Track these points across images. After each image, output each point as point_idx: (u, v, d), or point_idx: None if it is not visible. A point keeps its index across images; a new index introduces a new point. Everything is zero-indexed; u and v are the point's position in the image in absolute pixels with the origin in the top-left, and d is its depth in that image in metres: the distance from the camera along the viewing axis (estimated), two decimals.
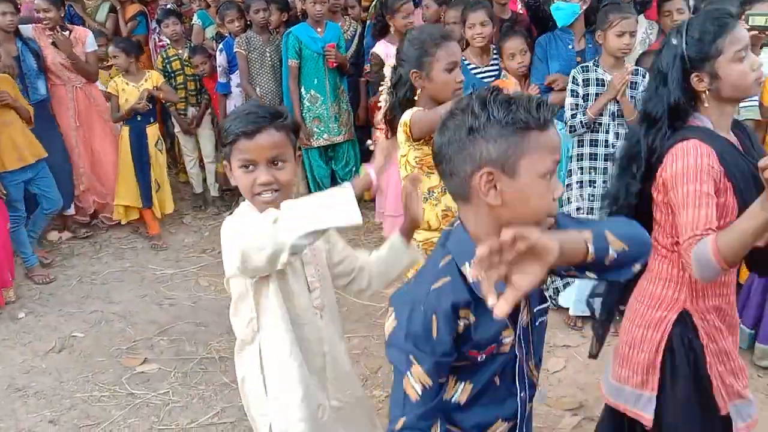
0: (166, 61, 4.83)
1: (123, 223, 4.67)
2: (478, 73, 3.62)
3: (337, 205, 1.34)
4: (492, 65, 3.65)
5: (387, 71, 2.62)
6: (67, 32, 4.35)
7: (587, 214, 3.19)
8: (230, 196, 5.12)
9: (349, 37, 4.67)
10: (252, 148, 1.48)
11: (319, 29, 4.34)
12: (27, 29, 4.29)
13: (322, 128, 4.50)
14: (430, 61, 2.17)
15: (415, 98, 2.29)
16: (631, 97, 3.05)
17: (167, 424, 2.77)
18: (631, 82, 3.06)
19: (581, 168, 3.22)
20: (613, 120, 3.11)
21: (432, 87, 2.21)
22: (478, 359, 1.20)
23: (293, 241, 1.33)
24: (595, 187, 3.19)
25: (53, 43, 4.26)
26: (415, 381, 1.15)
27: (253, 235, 1.38)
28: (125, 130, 4.44)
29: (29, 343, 3.38)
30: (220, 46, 4.72)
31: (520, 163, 1.11)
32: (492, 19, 3.56)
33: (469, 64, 3.61)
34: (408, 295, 1.21)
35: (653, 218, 1.73)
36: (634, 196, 1.71)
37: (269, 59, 4.53)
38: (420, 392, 1.15)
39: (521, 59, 3.53)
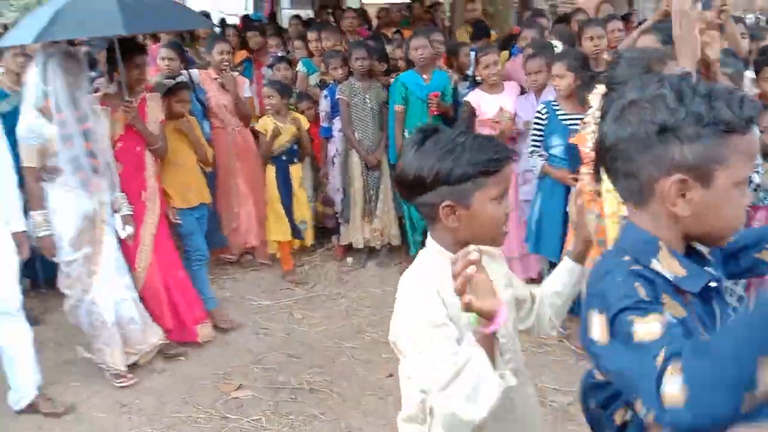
0: None
1: (274, 255, 4.86)
2: (565, 119, 3.70)
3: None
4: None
5: (594, 100, 2.62)
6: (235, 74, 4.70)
7: None
8: (323, 234, 5.29)
9: (453, 86, 4.79)
10: (508, 175, 1.40)
11: (425, 76, 4.50)
12: (194, 74, 4.64)
13: None
14: None
15: None
16: None
17: None
18: None
19: None
20: None
21: None
22: None
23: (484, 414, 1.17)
24: None
25: (221, 84, 4.55)
26: (650, 322, 0.97)
27: (445, 412, 1.21)
28: (271, 169, 4.67)
29: (136, 364, 3.55)
30: (324, 92, 4.99)
31: (718, 171, 0.99)
32: (575, 69, 3.64)
33: (558, 110, 3.68)
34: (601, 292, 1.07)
35: None
36: None
37: (369, 105, 4.72)
38: (662, 326, 0.96)
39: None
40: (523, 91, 4.36)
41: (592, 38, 4.04)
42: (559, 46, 4.36)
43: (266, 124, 4.59)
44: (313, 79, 5.32)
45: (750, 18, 10.67)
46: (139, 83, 3.62)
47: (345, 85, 4.73)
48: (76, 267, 3.28)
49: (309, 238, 4.90)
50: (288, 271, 4.75)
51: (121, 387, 3.34)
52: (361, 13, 8.14)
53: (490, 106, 4.21)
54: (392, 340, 1.42)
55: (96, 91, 3.68)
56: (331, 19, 8.49)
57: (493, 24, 6.43)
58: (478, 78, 4.33)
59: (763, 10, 14.32)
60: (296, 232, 4.73)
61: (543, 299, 1.65)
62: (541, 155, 3.80)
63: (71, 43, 3.72)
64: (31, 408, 3.12)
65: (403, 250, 4.88)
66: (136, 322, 3.44)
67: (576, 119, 3.59)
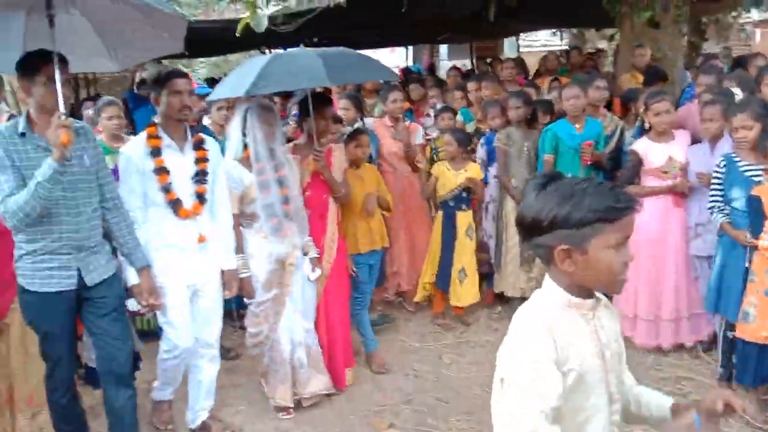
0: (434, 151, 5.32)
1: (418, 301, 4.84)
2: (747, 170, 3.45)
3: None
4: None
5: None
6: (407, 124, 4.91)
7: None
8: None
9: (610, 133, 4.65)
10: (629, 224, 1.39)
11: (577, 125, 4.42)
12: (368, 122, 4.92)
13: None
14: None
15: None
16: None
17: None
18: None
19: None
20: None
21: None
22: None
23: None
24: None
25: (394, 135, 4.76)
26: None
27: None
28: (439, 215, 4.70)
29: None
30: (482, 140, 5.07)
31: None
32: (760, 118, 3.39)
33: (739, 162, 3.43)
34: None
35: None
36: None
37: (527, 153, 4.70)
38: None
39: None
40: (695, 140, 4.11)
41: None
42: (738, 92, 4.08)
43: (440, 170, 4.64)
44: (470, 127, 5.43)
45: None
46: (326, 133, 3.78)
47: (503, 133, 4.76)
48: (265, 307, 3.45)
49: (469, 295, 4.63)
50: (438, 314, 4.79)
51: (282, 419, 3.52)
52: (519, 62, 8.20)
53: (659, 155, 4.00)
54: (497, 375, 1.43)
55: (289, 140, 3.94)
56: (489, 69, 8.62)
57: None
58: (646, 125, 4.15)
59: None
60: (443, 282, 4.61)
61: (633, 391, 1.61)
62: (721, 210, 3.54)
63: (269, 97, 4.00)
64: (204, 427, 3.35)
65: None
66: (305, 367, 3.55)
67: (758, 170, 3.39)
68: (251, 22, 4.92)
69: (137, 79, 7.93)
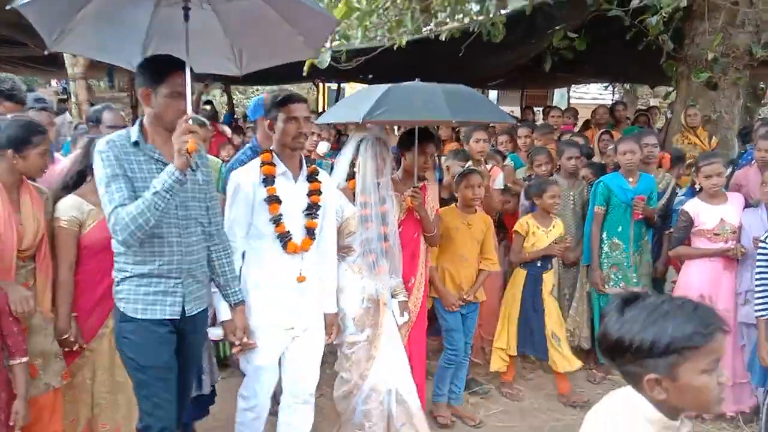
0: None
1: (495, 370, 4.29)
2: None
3: None
4: None
5: None
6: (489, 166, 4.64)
7: None
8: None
9: (662, 189, 4.62)
10: (720, 346, 1.31)
11: (631, 179, 4.40)
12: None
13: (620, 276, 4.42)
14: None
15: None
16: None
17: None
18: None
19: None
20: None
21: None
22: None
23: None
24: None
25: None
26: None
27: None
28: (521, 273, 4.19)
29: None
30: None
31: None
32: None
33: None
34: None
35: None
36: None
37: (572, 203, 4.69)
38: None
39: None
40: (749, 205, 4.04)
41: None
42: None
43: (530, 228, 4.17)
44: (521, 173, 5.44)
45: None
46: (425, 170, 3.60)
47: None
48: (357, 350, 3.19)
49: (567, 361, 4.10)
50: (507, 382, 4.31)
51: None
52: (572, 111, 8.25)
53: (710, 216, 3.95)
54: None
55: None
56: (534, 117, 8.68)
57: (713, 131, 6.10)
58: (697, 186, 4.11)
59: None
60: (537, 349, 4.14)
61: None
62: None
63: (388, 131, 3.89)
64: None
65: (593, 356, 4.61)
66: (395, 418, 3.23)
67: None
68: (315, 61, 5.10)
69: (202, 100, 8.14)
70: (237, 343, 2.72)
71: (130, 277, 2.38)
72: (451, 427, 3.80)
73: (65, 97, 10.61)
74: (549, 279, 4.22)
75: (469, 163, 4.38)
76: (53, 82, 15.99)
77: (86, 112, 6.30)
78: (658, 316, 1.29)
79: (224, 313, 2.71)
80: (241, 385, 2.93)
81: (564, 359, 4.12)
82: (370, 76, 8.78)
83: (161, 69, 2.36)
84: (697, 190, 4.13)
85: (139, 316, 2.38)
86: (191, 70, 2.35)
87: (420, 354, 3.57)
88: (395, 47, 6.16)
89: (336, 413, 3.35)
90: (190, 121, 2.24)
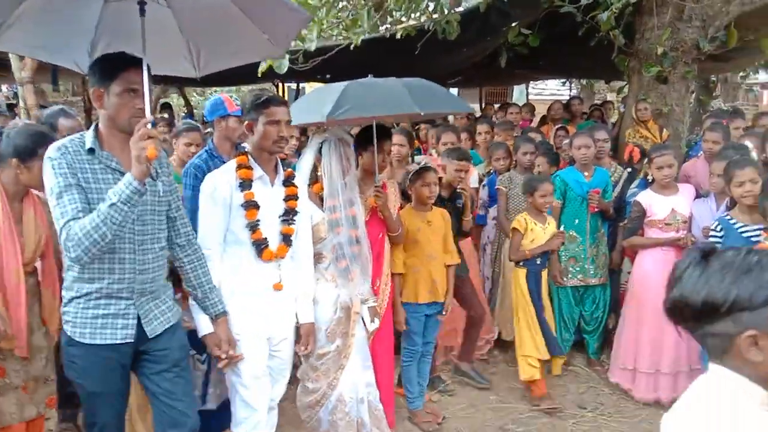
0: None
1: (525, 379, 4.06)
2: (745, 232, 3.43)
3: None
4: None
5: None
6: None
7: None
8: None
9: (614, 182, 4.71)
10: None
11: (586, 173, 4.48)
12: (421, 159, 4.77)
13: (578, 269, 4.50)
14: None
15: None
16: None
17: None
18: None
19: None
20: None
21: None
22: None
23: None
24: None
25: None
26: None
27: None
28: (521, 272, 4.08)
29: None
30: (485, 181, 5.11)
31: None
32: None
33: (735, 223, 3.43)
34: None
35: None
36: None
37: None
38: None
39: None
40: (699, 195, 4.15)
41: None
42: (750, 146, 4.13)
43: (527, 225, 4.08)
44: (480, 169, 5.48)
45: None
46: (384, 168, 3.53)
47: (505, 176, 4.81)
48: (326, 360, 3.10)
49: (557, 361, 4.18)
50: (541, 396, 4.04)
51: None
52: (529, 107, 8.37)
53: (662, 207, 4.04)
54: None
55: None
56: (494, 114, 8.76)
57: (665, 124, 6.24)
58: (649, 177, 4.20)
59: None
60: (553, 347, 4.02)
61: None
62: None
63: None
64: None
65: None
66: (367, 427, 3.19)
67: (756, 230, 3.39)
68: (274, 64, 5.05)
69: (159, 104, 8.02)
70: (223, 356, 2.57)
71: (77, 297, 2.22)
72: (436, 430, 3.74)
73: (15, 102, 10.28)
74: (545, 277, 4.15)
75: (425, 160, 4.38)
76: (4, 87, 15.48)
77: (39, 117, 6.15)
78: (751, 265, 1.18)
79: (205, 326, 2.58)
80: (233, 422, 2.73)
81: (555, 361, 4.18)
82: (328, 75, 8.72)
83: (113, 65, 2.19)
84: (650, 181, 4.22)
85: (86, 341, 2.21)
86: (149, 69, 2.18)
87: (387, 354, 3.51)
88: (352, 47, 6.13)
89: (299, 417, 3.30)
90: (150, 126, 2.06)
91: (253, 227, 2.65)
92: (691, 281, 1.22)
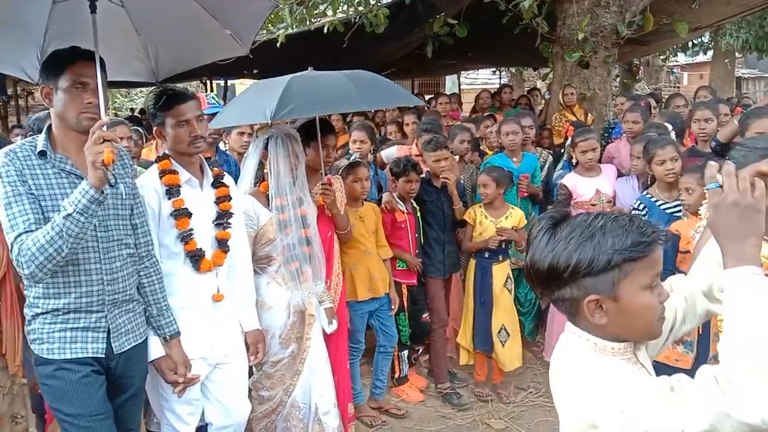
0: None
1: (464, 363, 4.14)
2: (667, 208, 3.54)
3: None
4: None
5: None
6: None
7: None
8: None
9: (541, 165, 4.81)
10: (658, 258, 1.24)
11: (515, 159, 4.55)
12: (392, 151, 4.74)
13: (511, 251, 4.54)
14: None
15: None
16: None
17: None
18: None
19: None
20: None
21: None
22: None
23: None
24: None
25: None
26: None
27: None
28: (472, 264, 4.04)
29: None
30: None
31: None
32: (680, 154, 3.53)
33: (656, 201, 3.54)
34: None
35: None
36: None
37: (462, 185, 4.75)
38: None
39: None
40: (621, 175, 4.28)
41: (699, 120, 4.13)
42: (669, 128, 4.29)
43: (477, 217, 4.01)
44: None
45: None
46: (328, 165, 3.38)
47: None
48: (281, 367, 2.97)
49: (513, 359, 3.98)
50: (481, 382, 4.08)
51: None
52: (456, 97, 8.45)
53: (587, 188, 4.15)
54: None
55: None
56: (427, 105, 8.82)
57: (589, 107, 6.43)
58: (573, 161, 4.31)
59: None
60: (480, 343, 3.96)
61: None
62: None
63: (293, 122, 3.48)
64: None
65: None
66: None
67: (677, 206, 3.48)
68: None
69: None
70: (180, 380, 2.32)
71: (42, 313, 2.02)
72: (380, 425, 3.73)
73: None
74: (501, 271, 4.00)
75: (355, 155, 4.34)
76: None
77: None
78: (594, 231, 1.21)
79: (156, 349, 2.30)
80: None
81: (506, 357, 3.97)
82: (255, 70, 8.58)
83: (61, 59, 2.01)
84: (574, 164, 4.33)
85: (55, 356, 2.01)
86: (103, 64, 2.00)
87: (341, 354, 3.39)
88: (278, 43, 6.04)
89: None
90: (105, 128, 1.88)
91: (187, 238, 2.42)
92: (540, 247, 1.26)
